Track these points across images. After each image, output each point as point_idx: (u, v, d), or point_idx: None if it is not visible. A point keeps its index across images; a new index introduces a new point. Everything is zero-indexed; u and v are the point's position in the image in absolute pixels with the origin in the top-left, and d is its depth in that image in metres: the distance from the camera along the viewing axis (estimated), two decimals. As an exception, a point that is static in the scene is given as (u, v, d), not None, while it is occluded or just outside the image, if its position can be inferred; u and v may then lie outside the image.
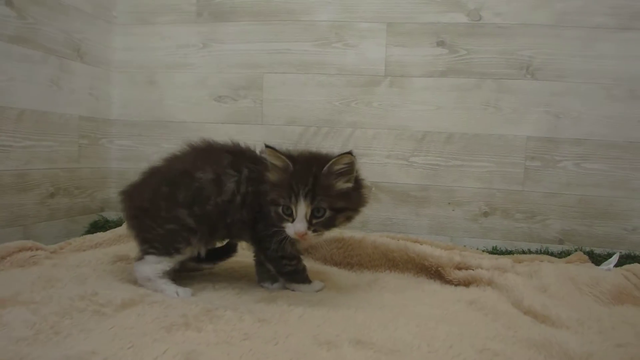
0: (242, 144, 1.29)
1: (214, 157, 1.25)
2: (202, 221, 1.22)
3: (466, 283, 1.45)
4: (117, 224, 1.92)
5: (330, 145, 1.96)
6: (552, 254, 1.77)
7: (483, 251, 1.81)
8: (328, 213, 1.13)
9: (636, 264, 1.39)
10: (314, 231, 1.13)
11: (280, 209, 1.14)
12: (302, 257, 1.33)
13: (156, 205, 1.22)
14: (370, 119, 1.98)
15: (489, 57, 1.90)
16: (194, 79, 2.09)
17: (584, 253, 1.69)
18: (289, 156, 1.15)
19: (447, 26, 1.92)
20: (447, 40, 1.92)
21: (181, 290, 1.22)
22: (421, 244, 1.62)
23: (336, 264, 1.62)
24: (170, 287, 1.21)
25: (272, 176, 1.16)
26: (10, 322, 0.96)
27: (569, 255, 1.71)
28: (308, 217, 1.12)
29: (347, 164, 1.13)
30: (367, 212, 1.98)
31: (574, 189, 1.86)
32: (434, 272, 1.51)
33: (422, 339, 0.99)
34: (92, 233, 1.84)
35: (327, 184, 1.13)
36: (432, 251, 1.55)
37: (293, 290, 1.30)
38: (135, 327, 0.96)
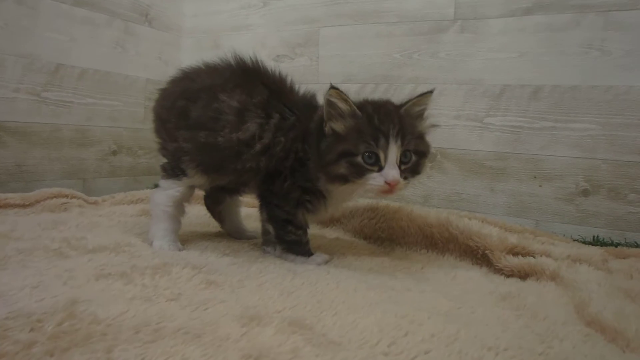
0: (289, 81, 1.04)
1: (249, 84, 1.00)
2: (205, 151, 0.99)
3: (522, 274, 1.00)
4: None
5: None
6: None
7: (577, 241, 1.27)
8: (414, 157, 0.92)
9: None
10: (404, 179, 0.91)
11: (359, 159, 0.89)
12: (329, 227, 1.13)
13: (169, 118, 1.05)
14: (435, 73, 1.54)
15: (592, -17, 1.33)
16: (255, 40, 1.87)
17: None
18: (355, 102, 0.93)
19: (535, -51, 1.40)
20: (534, -32, 1.40)
21: (166, 244, 1.04)
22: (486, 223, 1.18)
23: (366, 237, 1.27)
24: (161, 241, 1.05)
25: (336, 125, 0.92)
26: (-30, 253, 0.90)
27: None
28: (398, 163, 0.89)
29: (426, 105, 0.96)
30: (430, 185, 1.56)
31: None
32: (481, 257, 1.08)
33: (389, 335, 0.67)
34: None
35: (412, 125, 0.93)
36: (480, 228, 1.12)
37: (290, 261, 1.02)
38: (72, 271, 0.83)
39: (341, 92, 0.90)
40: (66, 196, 1.43)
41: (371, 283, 0.88)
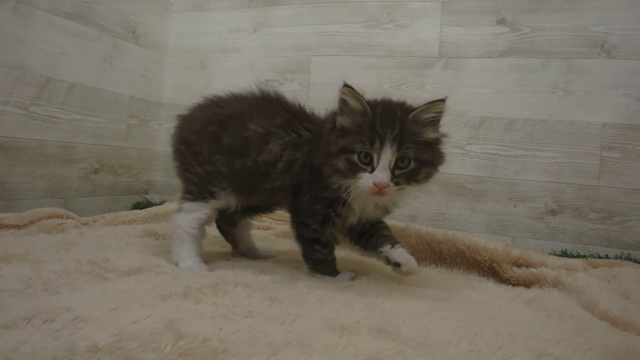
0: (308, 110, 1.08)
1: (271, 109, 1.05)
2: (238, 175, 1.03)
3: (526, 283, 1.14)
4: (160, 206, 1.74)
5: (378, 131, 1.69)
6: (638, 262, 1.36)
7: (551, 255, 1.44)
8: (413, 164, 0.91)
9: None
10: (396, 184, 0.91)
11: (355, 157, 0.91)
12: (336, 246, 1.10)
13: (200, 142, 1.06)
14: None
15: (557, 35, 1.57)
16: (243, 63, 1.92)
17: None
18: (368, 101, 0.94)
19: (509, 2, 1.61)
20: (508, 18, 1.61)
21: (195, 265, 1.04)
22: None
23: (375, 254, 1.33)
24: (188, 262, 1.04)
25: (344, 121, 0.94)
26: (7, 275, 0.87)
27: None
28: (391, 167, 0.90)
29: (437, 113, 0.94)
30: (416, 205, 1.69)
31: (662, 184, 1.45)
32: (488, 269, 1.22)
33: (462, 336, 0.74)
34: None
35: (415, 132, 0.92)
36: (486, 243, 1.25)
37: (318, 279, 1.05)
38: (130, 292, 0.83)
39: (354, 90, 0.92)
40: (61, 216, 1.37)
41: (413, 295, 0.96)
